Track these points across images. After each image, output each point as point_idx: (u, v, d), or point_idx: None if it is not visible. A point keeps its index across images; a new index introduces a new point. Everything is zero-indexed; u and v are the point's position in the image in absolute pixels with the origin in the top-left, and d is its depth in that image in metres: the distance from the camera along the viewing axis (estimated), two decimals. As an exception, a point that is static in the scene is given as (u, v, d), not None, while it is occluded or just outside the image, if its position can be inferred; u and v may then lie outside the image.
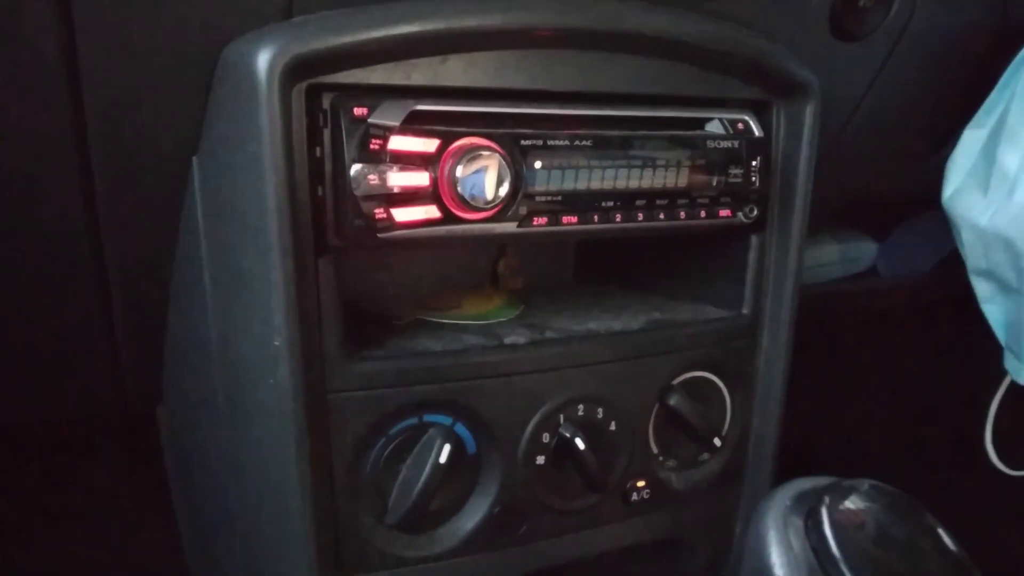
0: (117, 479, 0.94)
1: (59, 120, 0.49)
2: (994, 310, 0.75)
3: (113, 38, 0.47)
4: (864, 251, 1.04)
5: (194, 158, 0.54)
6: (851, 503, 0.55)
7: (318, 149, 0.51)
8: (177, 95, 0.51)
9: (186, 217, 0.56)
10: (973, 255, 0.74)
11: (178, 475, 0.77)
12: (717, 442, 0.71)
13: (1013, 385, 0.76)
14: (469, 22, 0.52)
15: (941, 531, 0.54)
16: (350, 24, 0.49)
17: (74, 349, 0.63)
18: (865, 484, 0.56)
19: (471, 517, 0.62)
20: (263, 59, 0.47)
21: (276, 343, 0.51)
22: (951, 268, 0.77)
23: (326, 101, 0.51)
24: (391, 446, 0.58)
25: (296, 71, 0.49)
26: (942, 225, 0.76)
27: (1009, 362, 0.75)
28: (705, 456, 0.72)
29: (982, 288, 0.75)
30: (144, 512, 0.85)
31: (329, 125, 0.51)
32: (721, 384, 0.71)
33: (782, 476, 0.69)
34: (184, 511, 0.78)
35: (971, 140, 0.73)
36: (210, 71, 0.50)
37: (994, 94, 0.71)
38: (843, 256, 1.02)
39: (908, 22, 0.69)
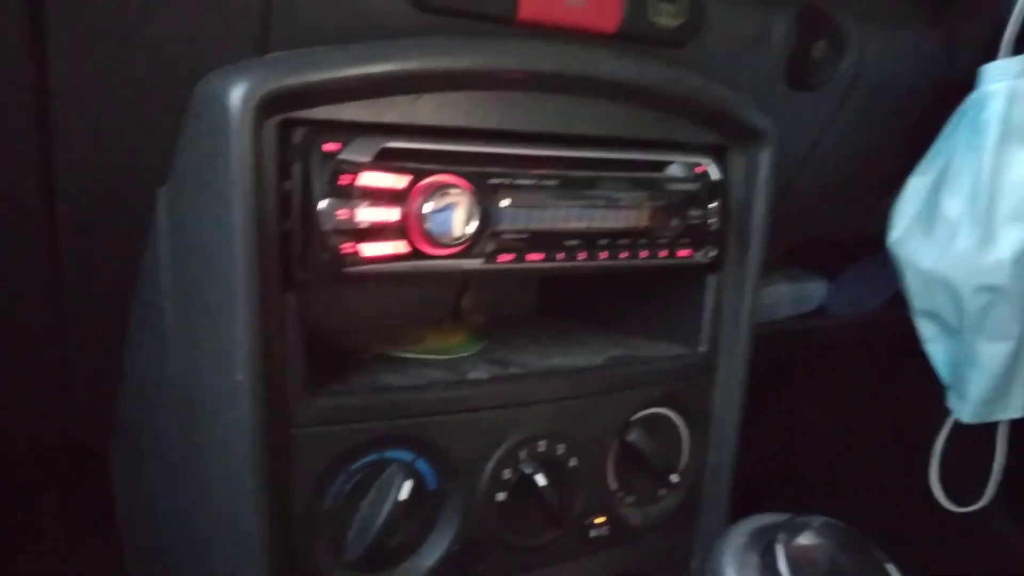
0: (63, 515, 0.90)
1: (25, 148, 0.49)
2: (937, 350, 0.78)
3: (86, 68, 0.47)
4: (815, 290, 1.08)
5: (160, 190, 0.53)
6: (805, 539, 0.57)
7: (287, 183, 0.51)
8: (147, 127, 0.50)
9: (149, 249, 0.55)
10: (917, 297, 0.76)
11: (128, 511, 0.74)
12: (674, 478, 0.72)
13: (957, 423, 0.78)
14: (442, 63, 0.53)
15: (889, 566, 0.56)
16: (324, 61, 0.50)
17: (26, 380, 0.61)
18: (818, 520, 0.58)
19: (430, 555, 0.61)
20: (236, 94, 0.47)
21: (239, 377, 0.50)
22: (898, 308, 0.80)
23: (298, 136, 0.51)
24: (351, 482, 0.57)
25: (269, 106, 0.49)
26: (891, 265, 0.79)
27: (952, 401, 0.78)
28: (663, 492, 0.72)
29: (926, 328, 0.78)
30: (91, 550, 0.82)
31: (300, 160, 0.51)
32: (679, 420, 0.72)
33: (737, 511, 0.71)
34: (133, 548, 0.75)
35: (916, 187, 0.76)
36: (182, 104, 0.50)
37: (937, 144, 0.74)
38: (795, 295, 1.05)
39: (858, 74, 0.73)
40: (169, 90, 0.49)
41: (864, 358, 1.21)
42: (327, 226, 0.50)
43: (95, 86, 0.48)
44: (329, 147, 0.51)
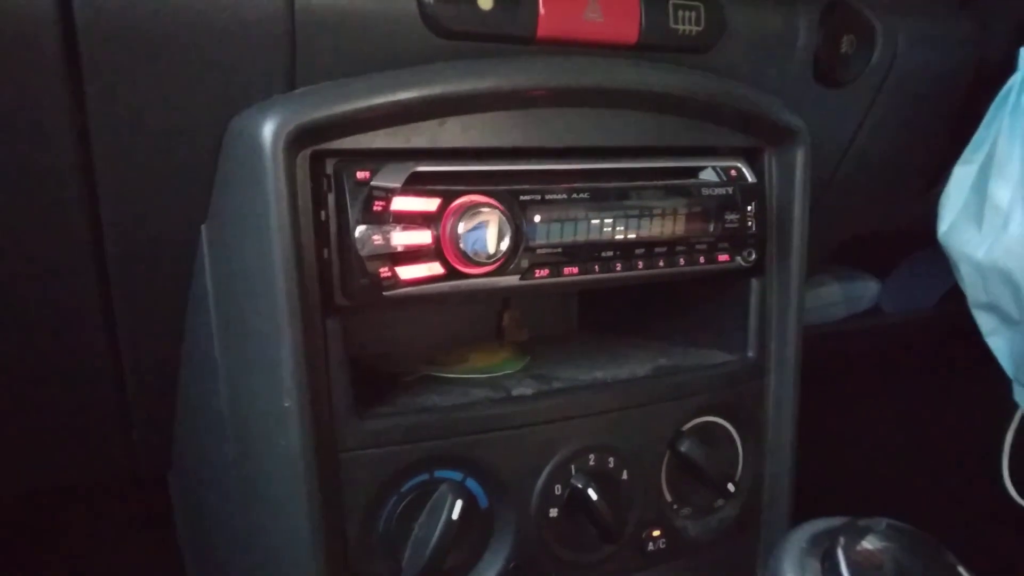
0: (127, 547, 0.93)
1: (71, 193, 0.51)
2: (999, 343, 0.75)
3: (124, 115, 0.50)
4: (866, 290, 1.05)
5: (203, 226, 0.56)
6: (868, 543, 0.55)
7: (323, 213, 0.53)
8: (186, 167, 0.53)
9: (196, 284, 0.58)
10: (973, 289, 0.74)
11: (190, 540, 0.76)
12: (731, 487, 0.70)
13: (1025, 416, 0.76)
14: (465, 86, 0.54)
15: (961, 569, 0.54)
16: (350, 93, 0.51)
17: (85, 416, 0.64)
18: (882, 523, 0.56)
19: (487, 574, 0.61)
20: (268, 129, 0.49)
21: (286, 404, 0.52)
22: (955, 302, 0.77)
23: (330, 166, 0.53)
24: (403, 503, 0.58)
25: (300, 139, 0.50)
26: (943, 260, 0.77)
27: (1019, 394, 0.75)
28: (720, 502, 0.71)
29: (985, 321, 0.75)
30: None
31: (333, 189, 0.52)
32: (731, 428, 0.71)
33: (797, 518, 0.69)
34: (195, 574, 0.77)
35: (962, 176, 0.74)
36: (218, 142, 0.52)
37: (980, 131, 0.72)
38: (846, 296, 1.03)
39: (890, 66, 0.72)
40: (204, 129, 0.52)
41: (922, 356, 1.17)
42: (364, 252, 0.52)
43: (133, 130, 0.50)
44: (361, 175, 0.52)
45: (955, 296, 0.77)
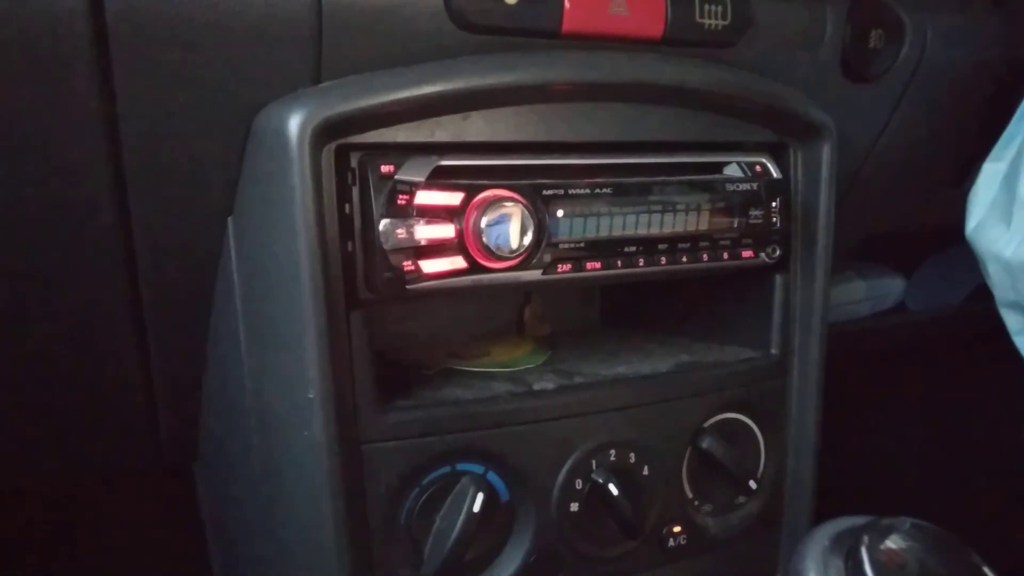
0: (154, 537, 0.95)
1: (101, 187, 0.52)
2: (1027, 342, 0.74)
3: (153, 109, 0.50)
4: (892, 287, 1.04)
5: (229, 219, 0.56)
6: (892, 542, 0.54)
7: (347, 206, 0.53)
8: (214, 160, 0.53)
9: (222, 275, 0.58)
10: (1001, 287, 0.73)
11: (215, 531, 0.77)
12: (753, 484, 0.70)
13: (1053, 417, 0.74)
14: (489, 81, 0.54)
15: (986, 570, 0.53)
16: (375, 87, 0.52)
17: (114, 407, 0.64)
18: (907, 523, 0.55)
19: (507, 567, 0.61)
20: (294, 122, 0.50)
21: (310, 396, 0.52)
22: (982, 301, 0.76)
23: (354, 160, 0.53)
24: (425, 496, 0.58)
25: (325, 133, 0.51)
26: (970, 258, 0.76)
27: (1047, 394, 0.74)
28: (741, 499, 0.71)
29: (1012, 320, 0.74)
30: (181, 570, 0.85)
31: (358, 183, 0.53)
32: (754, 425, 0.70)
33: (821, 517, 0.68)
34: (221, 567, 0.78)
35: (991, 173, 0.73)
36: (244, 136, 0.53)
37: (1011, 127, 0.71)
38: (871, 293, 1.02)
39: (919, 62, 0.71)
40: (231, 123, 0.52)
41: (948, 354, 1.16)
42: (388, 245, 0.52)
43: (161, 124, 0.51)
44: (385, 169, 0.52)
45: (981, 294, 0.76)
